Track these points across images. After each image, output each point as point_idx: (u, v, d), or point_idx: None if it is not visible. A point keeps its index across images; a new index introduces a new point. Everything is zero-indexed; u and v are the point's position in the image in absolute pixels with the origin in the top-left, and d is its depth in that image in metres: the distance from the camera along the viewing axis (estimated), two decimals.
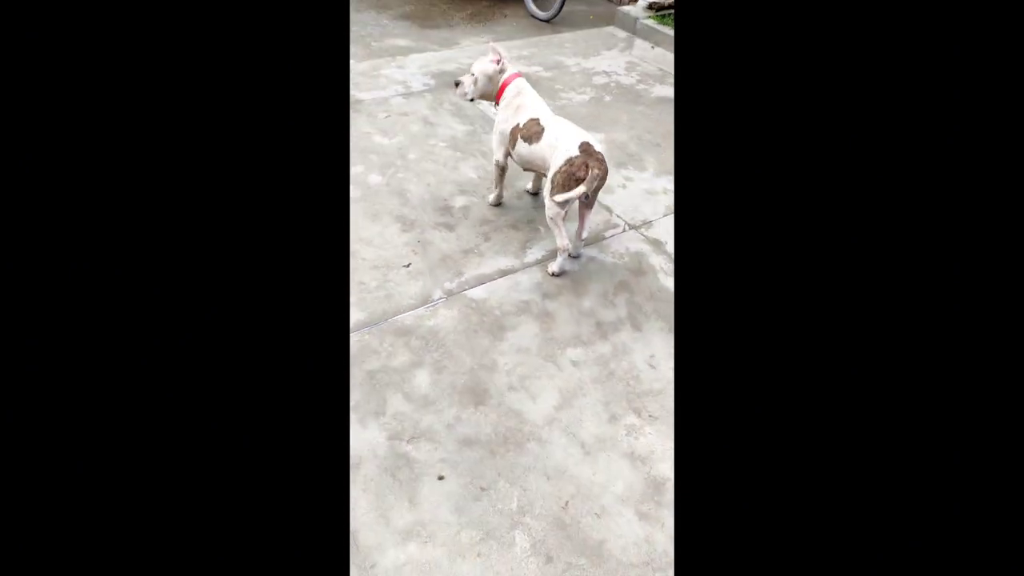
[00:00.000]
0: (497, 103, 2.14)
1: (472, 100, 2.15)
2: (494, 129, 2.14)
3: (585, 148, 1.80)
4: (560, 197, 1.78)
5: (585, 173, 1.76)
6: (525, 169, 2.12)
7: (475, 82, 2.09)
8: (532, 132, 1.96)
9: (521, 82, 2.10)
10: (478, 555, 1.19)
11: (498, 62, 2.09)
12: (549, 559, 1.19)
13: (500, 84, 2.10)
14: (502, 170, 2.18)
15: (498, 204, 2.27)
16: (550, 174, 1.86)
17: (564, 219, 1.88)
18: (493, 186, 2.27)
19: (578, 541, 1.23)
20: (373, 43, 3.84)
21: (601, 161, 1.79)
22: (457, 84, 2.13)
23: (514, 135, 2.02)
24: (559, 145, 1.85)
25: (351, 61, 3.43)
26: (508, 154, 2.11)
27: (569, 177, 1.78)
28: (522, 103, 2.05)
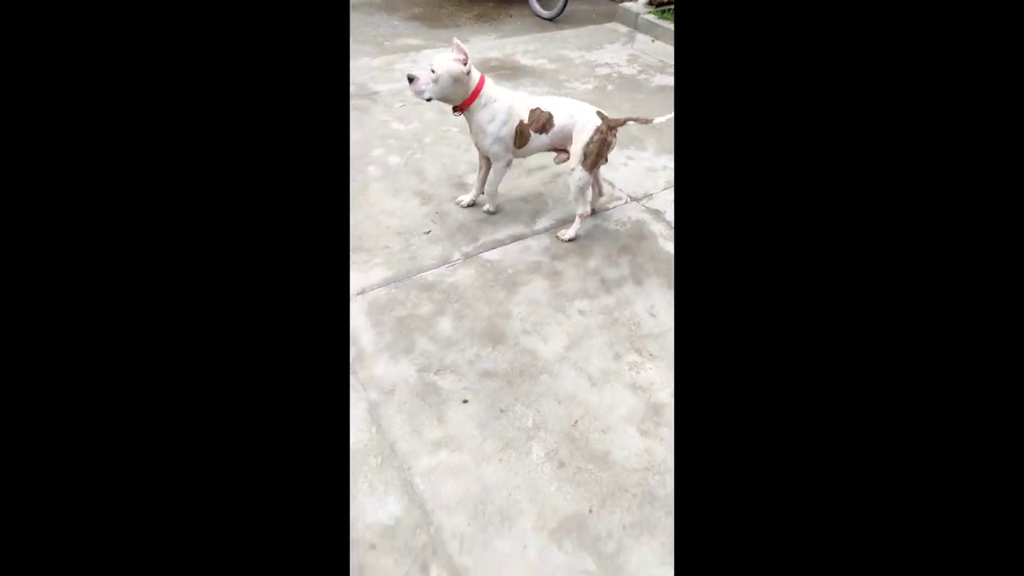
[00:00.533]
0: (463, 110, 1.97)
1: (429, 100, 1.90)
2: (487, 137, 2.00)
3: (600, 114, 1.99)
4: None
5: (613, 136, 1.99)
6: (527, 155, 2.13)
7: (436, 80, 1.85)
8: (542, 121, 2.00)
9: (492, 84, 1.98)
10: (500, 460, 1.36)
11: (465, 62, 1.87)
12: (562, 464, 1.36)
13: (470, 90, 1.92)
14: (510, 165, 2.11)
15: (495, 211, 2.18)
16: (579, 147, 1.97)
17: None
18: (494, 186, 2.14)
19: (587, 451, 1.39)
20: (385, 42, 4.05)
21: (615, 124, 2.01)
22: (411, 80, 1.85)
23: (523, 132, 2.01)
24: (578, 120, 1.98)
25: (366, 59, 3.64)
26: (513, 153, 2.08)
27: (603, 144, 1.98)
28: (511, 103, 1.99)
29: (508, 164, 2.11)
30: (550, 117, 2.01)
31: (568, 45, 4.01)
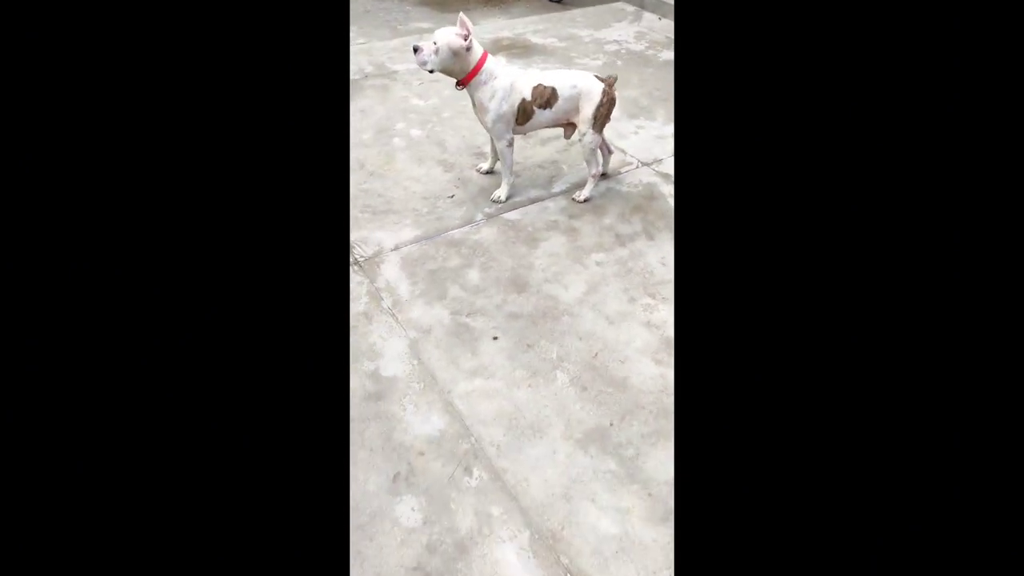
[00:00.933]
0: (464, 84, 2.03)
1: (432, 71, 1.97)
2: (488, 114, 2.06)
3: (598, 77, 2.12)
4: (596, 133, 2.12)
5: (615, 93, 2.12)
6: (531, 131, 2.18)
7: (436, 51, 1.93)
8: (546, 96, 2.06)
9: (494, 62, 2.04)
10: (529, 386, 1.51)
11: (466, 38, 1.93)
12: (584, 388, 1.51)
13: (471, 65, 1.99)
14: (511, 145, 2.17)
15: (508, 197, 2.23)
16: (589, 113, 2.07)
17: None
18: (507, 173, 2.20)
19: (607, 378, 1.54)
20: (399, 26, 4.18)
21: (612, 82, 2.13)
22: (416, 50, 1.95)
23: (526, 110, 2.07)
24: (582, 88, 2.08)
25: (382, 42, 3.77)
26: (514, 131, 2.14)
27: (611, 103, 2.11)
28: (513, 80, 2.04)
29: (510, 144, 2.15)
30: (554, 91, 2.06)
31: (577, 24, 4.12)
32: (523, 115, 2.10)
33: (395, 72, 3.29)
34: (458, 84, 2.06)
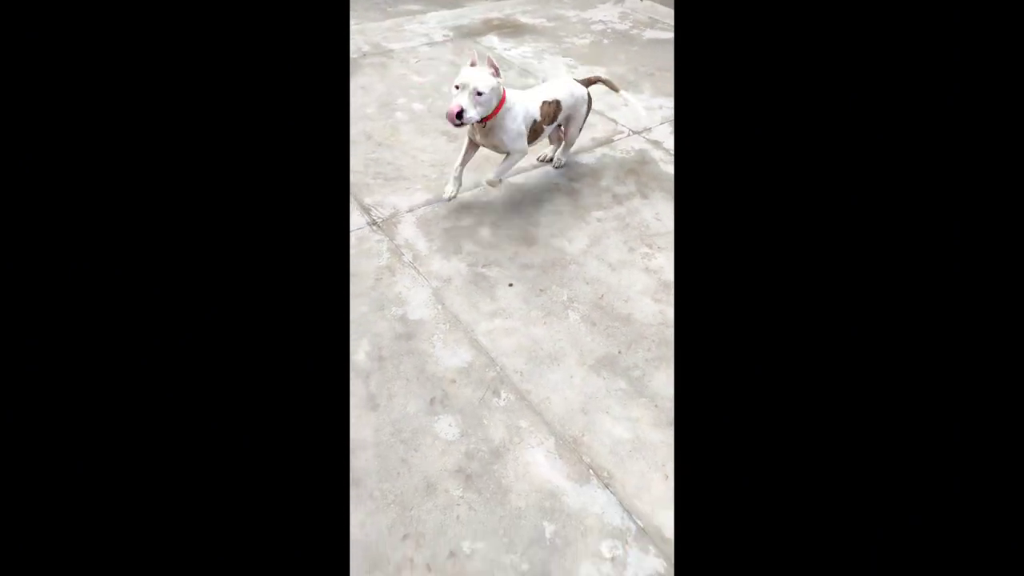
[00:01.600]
0: (492, 117, 1.92)
1: (480, 121, 1.86)
2: (510, 134, 1.99)
3: (580, 83, 2.31)
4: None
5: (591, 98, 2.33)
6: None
7: (481, 99, 1.81)
8: (552, 112, 2.14)
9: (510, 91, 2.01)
10: (544, 323, 1.68)
11: (497, 73, 1.87)
12: (594, 324, 1.68)
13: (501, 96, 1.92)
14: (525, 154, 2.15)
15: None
16: (580, 120, 2.29)
17: None
18: (505, 171, 2.09)
19: (613, 314, 1.72)
20: (388, 8, 4.26)
21: (590, 85, 2.33)
22: (460, 115, 1.77)
23: (536, 130, 2.09)
24: (578, 96, 2.24)
25: (374, 23, 3.86)
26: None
27: (590, 108, 2.33)
28: (525, 104, 2.04)
29: (525, 154, 2.13)
30: (557, 104, 2.15)
31: (564, 5, 4.26)
32: (534, 135, 2.11)
33: (391, 51, 3.40)
34: (482, 121, 1.90)
